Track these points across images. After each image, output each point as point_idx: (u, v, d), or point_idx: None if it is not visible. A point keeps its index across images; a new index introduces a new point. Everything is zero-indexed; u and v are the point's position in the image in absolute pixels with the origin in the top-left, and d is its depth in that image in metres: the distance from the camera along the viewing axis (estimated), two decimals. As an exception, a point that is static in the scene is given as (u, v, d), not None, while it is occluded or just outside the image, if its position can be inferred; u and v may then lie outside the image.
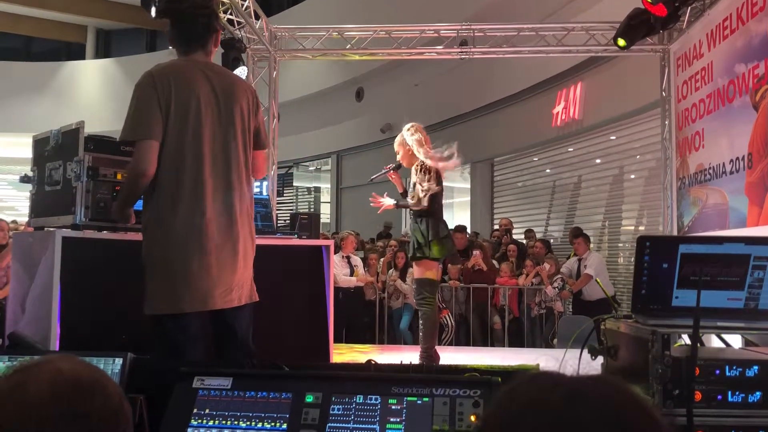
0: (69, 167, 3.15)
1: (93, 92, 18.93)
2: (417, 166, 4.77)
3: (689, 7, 6.11)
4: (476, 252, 7.89)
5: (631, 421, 0.75)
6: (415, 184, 4.80)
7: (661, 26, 6.17)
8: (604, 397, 0.77)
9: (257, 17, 7.26)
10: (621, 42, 6.31)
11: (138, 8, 6.00)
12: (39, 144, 3.42)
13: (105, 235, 3.22)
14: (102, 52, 20.51)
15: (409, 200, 4.81)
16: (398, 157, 4.92)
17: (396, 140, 4.94)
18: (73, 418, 0.98)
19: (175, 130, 2.53)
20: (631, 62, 8.25)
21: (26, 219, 3.71)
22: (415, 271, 4.85)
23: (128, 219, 2.77)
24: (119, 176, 3.20)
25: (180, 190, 2.52)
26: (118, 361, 1.87)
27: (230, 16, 6.95)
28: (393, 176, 5.00)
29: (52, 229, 3.19)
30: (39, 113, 17.06)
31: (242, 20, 7.00)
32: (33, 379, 1.00)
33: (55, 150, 3.28)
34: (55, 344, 2.95)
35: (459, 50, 7.58)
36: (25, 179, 3.52)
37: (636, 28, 6.14)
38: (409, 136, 4.78)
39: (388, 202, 4.94)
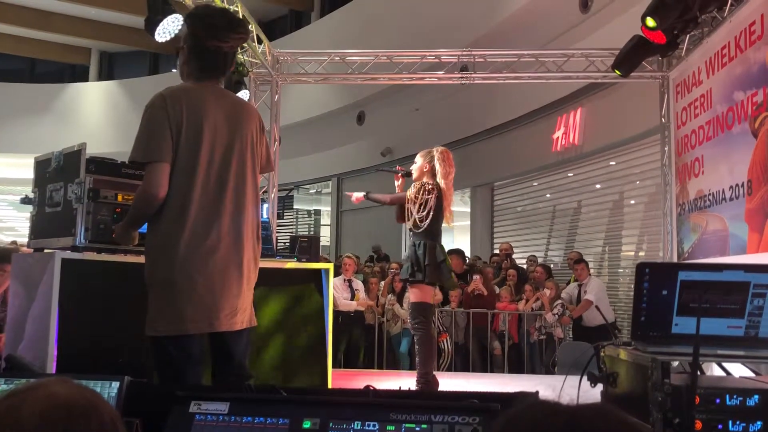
0: (70, 189, 3.16)
1: (95, 114, 19.02)
2: (422, 186, 4.76)
3: (688, 35, 6.17)
4: (477, 276, 7.87)
5: None
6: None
7: (660, 53, 6.23)
8: (604, 426, 0.77)
9: (260, 41, 7.33)
10: (618, 72, 6.39)
11: (141, 31, 6.04)
12: (40, 165, 3.43)
13: (104, 256, 3.22)
14: (105, 75, 20.65)
15: (383, 196, 4.93)
16: (413, 168, 4.93)
17: (420, 153, 4.94)
18: None
19: (185, 154, 2.53)
20: (631, 88, 8.31)
21: (26, 240, 3.71)
22: (411, 295, 4.84)
23: (132, 241, 2.77)
24: (120, 198, 3.21)
25: (188, 212, 2.52)
26: (115, 384, 1.86)
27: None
28: (399, 180, 5.03)
29: (51, 250, 3.19)
30: (41, 134, 17.12)
31: (245, 44, 7.07)
32: (27, 403, 0.99)
33: (56, 171, 3.29)
34: (51, 366, 2.93)
35: (460, 75, 7.64)
36: (26, 200, 3.52)
37: (634, 56, 6.20)
38: (439, 159, 4.79)
39: (357, 194, 5.11)
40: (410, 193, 4.82)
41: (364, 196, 5.05)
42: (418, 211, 4.72)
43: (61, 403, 1.00)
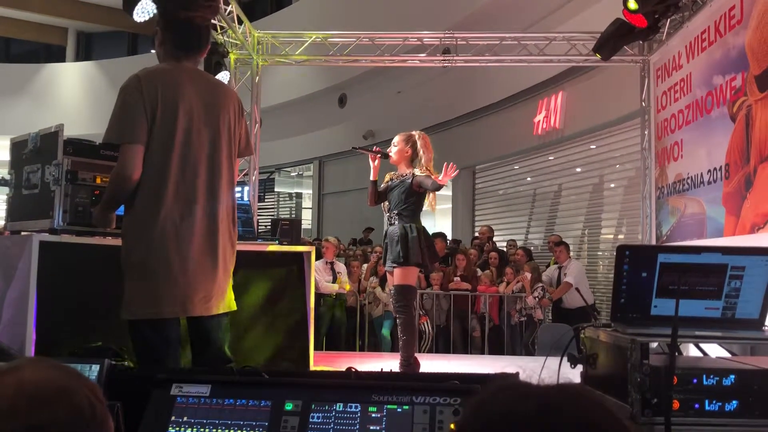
0: (47, 171, 3.11)
1: (73, 95, 18.74)
2: (418, 169, 4.75)
3: (669, 19, 6.20)
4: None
5: (603, 428, 0.76)
6: (404, 181, 4.77)
7: (641, 37, 6.25)
8: (575, 407, 0.77)
9: (240, 22, 7.25)
10: (599, 55, 6.40)
11: (119, 11, 5.95)
12: (17, 147, 3.38)
13: (83, 239, 3.18)
14: (83, 55, 20.33)
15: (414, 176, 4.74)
16: (392, 150, 4.88)
17: (399, 136, 4.88)
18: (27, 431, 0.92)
19: (159, 135, 2.51)
20: (612, 72, 8.34)
21: (2, 223, 3.67)
22: (396, 278, 4.77)
23: (110, 224, 2.74)
24: (98, 180, 3.17)
25: (163, 195, 2.50)
26: (95, 368, 1.84)
27: (213, 21, 6.92)
28: (374, 160, 4.89)
29: (29, 233, 3.14)
30: (17, 116, 16.85)
31: (225, 25, 6.98)
32: None
33: (33, 153, 3.24)
34: (30, 350, 2.90)
35: (442, 58, 7.62)
36: (2, 182, 3.47)
37: (615, 39, 6.21)
38: (422, 146, 4.75)
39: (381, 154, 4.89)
40: (424, 176, 4.68)
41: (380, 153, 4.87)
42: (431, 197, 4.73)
43: (26, 390, 0.95)
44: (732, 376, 1.77)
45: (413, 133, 4.87)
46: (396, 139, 4.89)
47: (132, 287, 2.51)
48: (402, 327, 4.74)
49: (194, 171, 2.56)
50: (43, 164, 3.16)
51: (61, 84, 19.02)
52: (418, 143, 4.79)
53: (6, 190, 3.43)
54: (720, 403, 1.76)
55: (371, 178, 4.94)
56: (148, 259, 2.49)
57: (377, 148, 5.00)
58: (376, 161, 4.90)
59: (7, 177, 3.43)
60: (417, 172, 4.72)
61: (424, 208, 4.89)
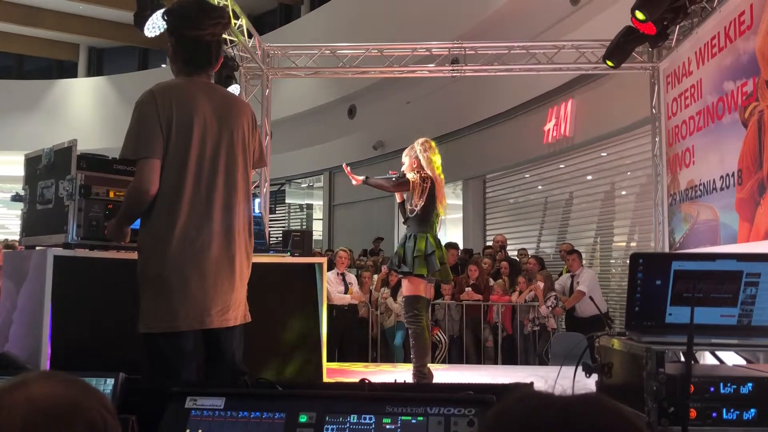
0: (61, 186, 3.14)
1: (85, 110, 18.91)
2: (419, 173, 4.77)
3: (678, 26, 6.19)
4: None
5: None
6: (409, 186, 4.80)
7: (650, 44, 6.24)
8: (597, 417, 0.77)
9: (250, 35, 7.30)
10: (609, 63, 6.39)
11: (130, 27, 6.00)
12: (31, 162, 3.41)
13: (97, 253, 3.20)
14: (94, 70, 20.52)
15: (407, 208, 4.82)
16: (404, 168, 4.91)
17: (405, 152, 4.94)
18: None
19: (175, 150, 2.52)
20: (621, 79, 8.32)
21: (17, 238, 3.69)
22: (403, 289, 4.84)
23: (125, 237, 2.76)
24: (112, 194, 3.19)
25: (179, 208, 2.51)
26: (110, 381, 1.85)
27: (223, 35, 6.97)
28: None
29: (43, 247, 3.17)
30: (30, 131, 17.02)
31: (234, 38, 7.03)
32: (7, 407, 0.94)
33: (47, 168, 3.27)
34: (45, 363, 2.92)
35: (450, 68, 7.64)
36: (16, 198, 3.50)
37: (625, 46, 6.21)
38: (421, 150, 4.80)
39: (358, 177, 4.98)
40: (412, 177, 4.78)
41: (364, 180, 4.94)
42: (418, 197, 4.72)
43: (41, 406, 0.95)
44: (750, 384, 1.75)
45: (414, 144, 4.90)
46: (403, 157, 4.94)
47: (148, 300, 2.52)
48: (412, 337, 4.74)
49: (210, 184, 2.57)
50: (57, 179, 3.18)
51: (74, 99, 19.21)
52: (418, 149, 4.82)
53: (20, 205, 3.46)
54: (738, 412, 1.74)
55: (398, 201, 5.04)
56: (164, 273, 2.49)
57: (393, 172, 5.02)
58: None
59: (22, 192, 3.46)
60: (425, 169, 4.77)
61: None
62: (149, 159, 2.49)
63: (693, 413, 1.72)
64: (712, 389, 1.75)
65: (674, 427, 1.70)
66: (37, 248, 3.24)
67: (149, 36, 5.46)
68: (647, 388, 1.74)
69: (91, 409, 0.98)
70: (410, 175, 4.78)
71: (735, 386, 1.75)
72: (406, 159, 4.89)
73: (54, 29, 18.51)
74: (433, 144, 4.89)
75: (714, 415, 1.74)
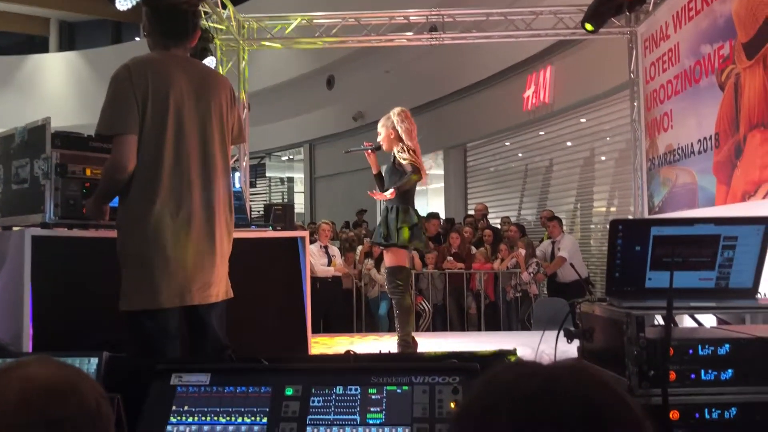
0: (36, 164, 3.09)
1: (58, 86, 18.56)
2: (399, 149, 4.73)
3: (655, -10, 6.18)
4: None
5: (604, 403, 0.77)
6: (394, 166, 4.77)
7: (628, 8, 6.22)
8: (579, 383, 0.79)
9: (224, 6, 7.18)
10: (588, 26, 6.36)
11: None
12: (4, 141, 3.35)
13: (75, 232, 3.17)
14: (66, 45, 20.10)
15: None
16: (379, 138, 4.87)
17: (380, 122, 4.88)
18: (46, 425, 0.95)
19: (152, 125, 2.49)
20: (600, 45, 8.31)
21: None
22: (386, 260, 4.86)
23: (103, 215, 2.73)
24: (88, 172, 3.15)
25: (158, 185, 2.48)
26: (94, 360, 1.84)
27: (199, 6, 6.85)
28: (370, 155, 4.91)
29: (20, 228, 3.13)
30: (3, 109, 16.68)
31: (209, 10, 6.91)
32: (3, 385, 0.97)
33: (21, 147, 3.21)
34: (27, 345, 2.90)
35: (429, 36, 7.57)
36: (-10, 178, 3.44)
37: (603, 10, 6.18)
38: (399, 122, 4.74)
39: (385, 194, 4.65)
40: (407, 157, 4.72)
41: (396, 189, 4.63)
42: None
43: (39, 384, 0.98)
44: (726, 345, 1.79)
45: (390, 113, 4.85)
46: (379, 127, 4.89)
47: (129, 278, 2.51)
48: (396, 308, 4.78)
49: (187, 160, 2.55)
50: (32, 158, 3.13)
51: (46, 75, 18.83)
52: (395, 120, 4.77)
53: (-5, 185, 3.40)
54: (716, 372, 1.77)
55: (374, 172, 4.98)
56: (144, 250, 2.48)
57: (368, 143, 4.97)
58: (372, 156, 4.91)
59: (-4, 172, 3.40)
60: (395, 151, 4.73)
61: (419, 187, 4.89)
62: (125, 135, 2.46)
63: (672, 375, 1.75)
64: (690, 351, 1.78)
65: (654, 389, 1.73)
66: (15, 229, 3.20)
67: (121, 9, 5.38)
68: (628, 353, 1.77)
69: (86, 392, 1.01)
70: (404, 157, 4.68)
71: (713, 348, 1.78)
72: (382, 129, 4.84)
73: (24, 3, 18.07)
74: (408, 113, 4.85)
75: (693, 376, 1.77)
